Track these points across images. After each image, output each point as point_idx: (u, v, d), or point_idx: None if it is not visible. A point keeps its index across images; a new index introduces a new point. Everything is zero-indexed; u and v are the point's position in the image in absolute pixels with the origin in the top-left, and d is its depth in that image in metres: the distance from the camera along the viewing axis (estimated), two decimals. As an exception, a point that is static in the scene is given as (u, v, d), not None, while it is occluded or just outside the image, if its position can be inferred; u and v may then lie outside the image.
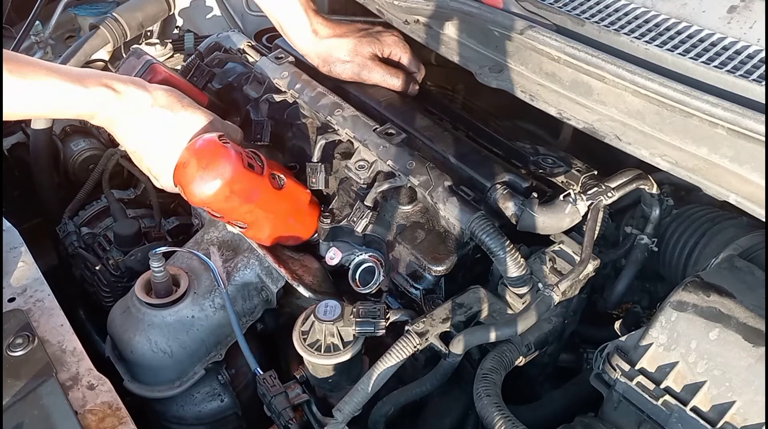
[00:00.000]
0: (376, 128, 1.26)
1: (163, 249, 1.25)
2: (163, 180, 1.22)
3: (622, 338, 0.95)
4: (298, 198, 1.26)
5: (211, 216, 1.21)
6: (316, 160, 1.30)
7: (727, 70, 1.00)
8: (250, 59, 1.49)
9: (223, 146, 1.13)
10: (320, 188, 1.32)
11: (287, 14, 1.40)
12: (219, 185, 1.11)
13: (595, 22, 1.14)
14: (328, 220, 1.26)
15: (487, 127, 1.39)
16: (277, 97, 1.39)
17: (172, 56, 1.95)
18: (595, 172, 1.20)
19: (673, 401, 0.86)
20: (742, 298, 0.89)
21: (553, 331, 1.10)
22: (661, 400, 0.87)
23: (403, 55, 1.43)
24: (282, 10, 1.40)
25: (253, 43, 1.53)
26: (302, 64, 1.44)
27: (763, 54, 1.02)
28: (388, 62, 1.43)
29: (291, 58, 1.44)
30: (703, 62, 1.02)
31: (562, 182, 1.20)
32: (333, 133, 1.31)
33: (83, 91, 1.10)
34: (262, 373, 1.14)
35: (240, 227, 1.23)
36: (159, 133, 1.18)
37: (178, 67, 1.77)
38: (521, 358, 1.06)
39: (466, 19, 1.25)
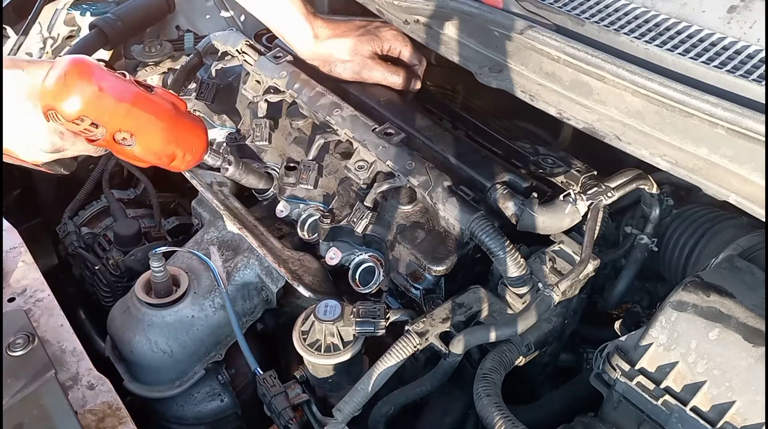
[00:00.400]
0: (375, 128, 1.26)
1: (163, 249, 1.25)
2: (33, 149, 1.10)
3: (622, 338, 0.95)
4: (173, 100, 1.18)
5: (93, 140, 1.11)
6: (311, 159, 1.30)
7: (727, 70, 1.00)
8: (249, 59, 1.48)
9: (79, 58, 1.09)
10: (309, 187, 1.32)
11: (288, 24, 1.40)
12: (88, 87, 1.06)
13: (595, 22, 1.15)
14: (328, 220, 1.26)
15: (487, 127, 1.39)
16: (274, 98, 1.40)
17: (172, 56, 1.95)
18: (595, 172, 1.20)
19: (673, 401, 0.86)
20: (742, 298, 0.89)
21: (553, 331, 1.10)
22: (661, 400, 0.87)
23: (403, 49, 1.42)
24: (283, 20, 1.40)
25: (251, 42, 1.53)
26: (301, 63, 1.44)
27: (763, 54, 1.02)
28: (388, 58, 1.43)
29: (289, 57, 1.44)
30: (703, 62, 1.02)
31: (562, 182, 1.20)
32: (332, 133, 1.31)
33: None
34: (262, 373, 1.14)
35: (128, 145, 1.13)
36: (9, 102, 1.05)
37: (177, 66, 1.78)
38: (521, 358, 1.06)
39: (466, 19, 1.25)
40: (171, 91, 1.20)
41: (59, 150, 1.11)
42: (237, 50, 1.51)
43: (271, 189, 1.42)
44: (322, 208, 1.34)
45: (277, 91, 1.40)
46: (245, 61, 1.49)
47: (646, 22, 1.13)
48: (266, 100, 1.41)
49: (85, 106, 1.06)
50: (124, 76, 1.14)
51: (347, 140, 1.29)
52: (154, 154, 1.17)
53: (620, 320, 1.19)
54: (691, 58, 1.03)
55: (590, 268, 1.06)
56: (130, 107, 1.11)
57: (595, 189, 1.11)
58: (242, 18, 2.01)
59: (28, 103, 1.05)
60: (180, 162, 1.20)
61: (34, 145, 1.09)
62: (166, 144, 1.17)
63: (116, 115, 1.10)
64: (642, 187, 1.13)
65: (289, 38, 1.42)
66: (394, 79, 1.40)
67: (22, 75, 1.06)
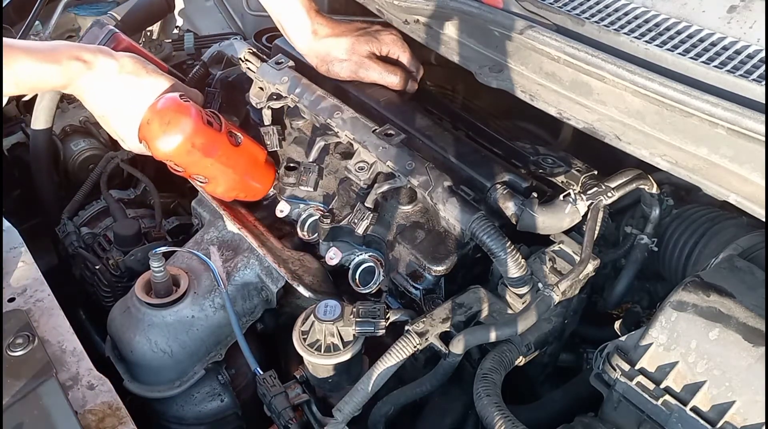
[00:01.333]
0: (375, 129, 1.26)
1: (163, 249, 1.25)
2: (129, 142, 1.31)
3: (622, 338, 0.95)
4: (254, 154, 1.35)
5: (173, 171, 1.29)
6: (311, 161, 1.30)
7: (727, 70, 1.00)
8: (252, 67, 1.49)
9: (184, 103, 1.22)
10: (310, 188, 1.34)
11: (289, 15, 1.41)
12: (181, 139, 1.20)
13: (595, 21, 1.15)
14: (328, 220, 1.26)
15: (487, 127, 1.39)
16: (277, 104, 1.40)
17: (172, 56, 1.95)
18: (595, 172, 1.20)
19: (673, 401, 0.86)
20: (742, 298, 0.89)
21: (553, 331, 1.10)
22: (661, 400, 0.87)
23: (401, 54, 1.43)
24: (284, 11, 1.41)
25: (254, 51, 1.54)
26: (302, 67, 1.44)
27: (763, 54, 1.02)
28: (386, 61, 1.43)
29: (291, 63, 1.44)
30: (703, 62, 1.02)
31: (562, 182, 1.20)
32: (332, 135, 1.31)
33: (56, 67, 1.19)
34: (262, 373, 1.14)
35: (200, 182, 1.32)
36: (125, 97, 1.26)
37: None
38: (521, 358, 1.06)
39: (466, 19, 1.25)
40: (254, 141, 1.36)
41: (143, 153, 1.32)
42: (240, 59, 1.52)
43: (271, 189, 1.43)
44: (322, 208, 1.34)
45: (279, 97, 1.41)
46: (249, 68, 1.49)
47: (646, 22, 1.13)
48: (270, 107, 1.41)
49: (173, 155, 1.23)
50: (220, 122, 1.28)
51: (348, 142, 1.29)
52: (219, 194, 1.37)
53: (620, 320, 1.18)
54: (691, 58, 1.03)
55: (590, 268, 1.06)
56: (213, 162, 1.27)
57: (595, 189, 1.11)
58: (242, 17, 2.01)
59: (137, 112, 1.25)
60: (242, 199, 1.40)
61: (128, 143, 1.33)
62: (232, 190, 1.36)
63: (198, 166, 1.28)
64: (642, 187, 1.13)
65: (289, 31, 1.43)
66: (391, 78, 1.40)
67: (143, 85, 1.27)
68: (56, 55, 1.20)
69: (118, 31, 1.42)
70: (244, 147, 1.32)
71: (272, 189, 1.42)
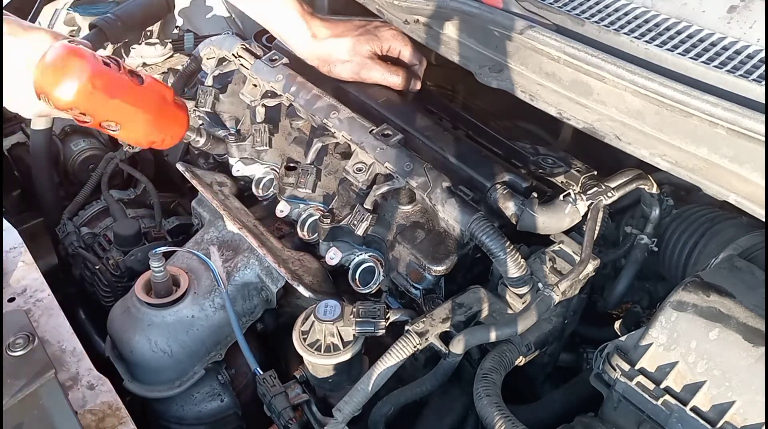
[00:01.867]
0: (373, 130, 1.26)
1: (163, 249, 1.25)
2: (30, 107, 1.18)
3: (622, 338, 0.95)
4: (161, 92, 1.25)
5: (81, 122, 1.18)
6: (309, 163, 1.30)
7: (727, 70, 1.00)
8: (246, 64, 1.48)
9: (75, 48, 1.13)
10: (308, 191, 1.32)
11: (286, 24, 1.40)
12: (80, 83, 1.11)
13: (595, 22, 1.15)
14: (328, 220, 1.26)
15: (487, 127, 1.39)
16: (271, 102, 1.40)
17: (172, 56, 1.95)
18: (595, 172, 1.20)
19: (673, 401, 0.86)
20: (742, 298, 0.89)
21: (553, 331, 1.10)
22: (661, 400, 0.87)
23: (403, 49, 1.42)
24: (280, 21, 1.40)
25: (247, 46, 1.53)
26: (297, 65, 1.44)
27: (763, 54, 1.02)
28: (388, 58, 1.43)
29: (285, 60, 1.44)
30: (703, 62, 1.02)
31: (562, 182, 1.20)
32: (329, 136, 1.31)
33: None
34: (262, 373, 1.14)
35: (112, 130, 1.21)
36: (8, 63, 1.12)
37: (179, 67, 1.78)
38: (521, 358, 1.06)
39: (466, 19, 1.25)
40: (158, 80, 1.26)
41: (47, 116, 1.23)
42: (233, 54, 1.51)
43: (272, 189, 1.43)
44: (322, 208, 1.34)
45: (274, 94, 1.40)
46: (242, 65, 1.49)
47: (646, 22, 1.13)
48: (264, 105, 1.41)
49: (75, 100, 1.12)
50: (117, 63, 1.18)
51: (345, 142, 1.29)
52: (136, 140, 1.26)
53: (620, 320, 1.19)
54: (691, 58, 1.03)
55: (590, 268, 1.06)
56: (119, 102, 1.16)
57: (595, 189, 1.11)
58: (242, 17, 2.00)
59: (26, 72, 1.11)
60: (160, 145, 1.28)
61: (26, 107, 1.19)
62: (148, 133, 1.24)
63: (105, 109, 1.16)
64: (642, 187, 1.13)
65: (287, 38, 1.42)
66: (394, 79, 1.40)
67: (23, 43, 1.12)
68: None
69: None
70: (149, 85, 1.22)
71: (272, 188, 1.42)
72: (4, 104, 1.19)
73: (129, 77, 1.18)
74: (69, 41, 1.14)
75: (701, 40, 1.07)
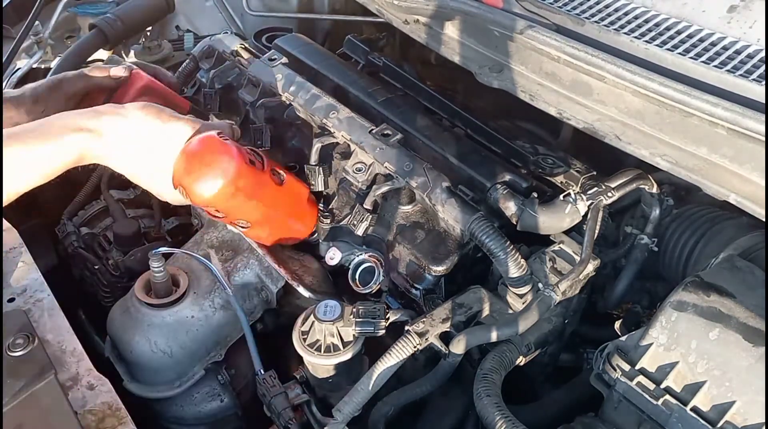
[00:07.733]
0: (372, 130, 1.26)
1: (163, 249, 1.25)
2: (167, 195, 1.15)
3: (622, 338, 0.95)
4: (298, 193, 1.24)
5: (212, 217, 1.16)
6: (314, 163, 1.30)
7: (727, 70, 1.00)
8: (244, 62, 1.48)
9: (223, 142, 1.08)
10: (320, 190, 1.31)
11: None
12: (223, 182, 1.06)
13: (595, 21, 1.15)
14: (328, 220, 1.26)
15: (487, 127, 1.39)
16: (271, 102, 1.40)
17: (171, 56, 1.95)
18: (595, 172, 1.20)
19: (673, 401, 0.86)
20: (742, 298, 0.89)
21: (553, 330, 1.10)
22: (661, 400, 0.87)
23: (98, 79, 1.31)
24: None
25: (245, 45, 1.52)
26: (296, 65, 1.44)
27: (763, 54, 1.02)
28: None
29: (284, 59, 1.44)
30: (703, 62, 1.02)
31: (562, 182, 1.20)
32: (329, 136, 1.31)
33: (57, 147, 1.01)
34: (263, 373, 1.14)
35: (242, 227, 1.19)
36: (148, 151, 1.09)
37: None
38: (521, 358, 1.06)
39: (466, 18, 1.25)
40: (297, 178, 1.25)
41: (182, 203, 1.16)
42: (232, 53, 1.50)
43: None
44: (322, 208, 1.34)
45: (273, 94, 1.40)
46: (240, 64, 1.48)
47: (646, 22, 1.13)
48: (263, 105, 1.41)
49: (214, 199, 1.08)
50: (262, 160, 1.14)
51: (345, 142, 1.29)
52: (263, 239, 1.27)
53: (620, 320, 1.19)
54: (691, 58, 1.03)
55: (590, 268, 1.06)
56: (257, 203, 1.15)
57: (595, 189, 1.11)
58: (242, 17, 2.00)
59: (166, 163, 1.09)
60: (282, 242, 1.30)
61: (166, 196, 1.15)
62: (276, 234, 1.26)
63: (241, 210, 1.15)
64: (642, 187, 1.13)
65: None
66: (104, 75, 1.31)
67: (165, 133, 1.09)
68: (54, 132, 1.01)
69: (135, 68, 1.33)
70: (287, 185, 1.19)
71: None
72: (143, 185, 1.15)
73: (271, 176, 1.15)
74: (219, 133, 1.09)
75: (701, 40, 1.07)
